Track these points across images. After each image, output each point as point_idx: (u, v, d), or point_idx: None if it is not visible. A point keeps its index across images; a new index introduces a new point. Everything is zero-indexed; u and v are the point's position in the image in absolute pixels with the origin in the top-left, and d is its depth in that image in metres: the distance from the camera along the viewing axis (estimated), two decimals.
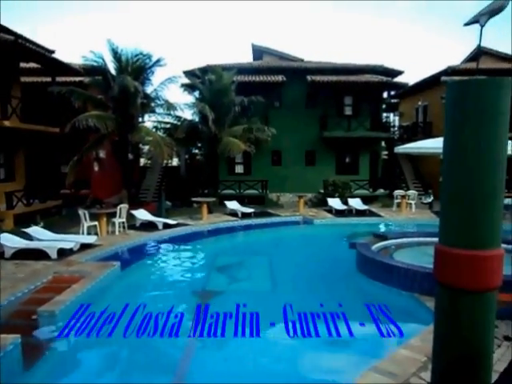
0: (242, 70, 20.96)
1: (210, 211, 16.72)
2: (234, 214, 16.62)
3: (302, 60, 24.76)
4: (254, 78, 20.93)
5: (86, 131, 15.61)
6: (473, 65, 23.45)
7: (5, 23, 14.67)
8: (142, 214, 14.15)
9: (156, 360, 5.72)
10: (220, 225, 15.04)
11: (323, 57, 43.93)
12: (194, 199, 17.02)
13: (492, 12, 2.91)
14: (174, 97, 30.84)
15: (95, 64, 16.38)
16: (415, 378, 4.60)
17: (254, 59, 26.46)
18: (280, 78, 20.69)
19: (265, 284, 9.44)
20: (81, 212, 12.23)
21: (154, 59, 16.86)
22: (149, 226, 13.68)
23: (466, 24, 3.12)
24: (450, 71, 21.00)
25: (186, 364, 5.60)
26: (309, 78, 20.57)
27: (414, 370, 4.77)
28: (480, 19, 2.94)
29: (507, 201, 17.98)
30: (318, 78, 20.55)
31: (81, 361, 5.80)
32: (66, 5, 76.44)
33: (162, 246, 12.45)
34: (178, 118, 19.18)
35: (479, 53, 25.03)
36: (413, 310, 7.02)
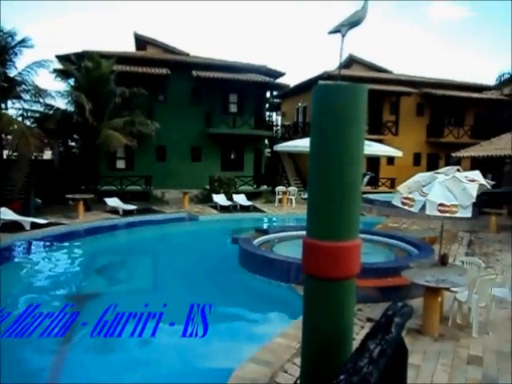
0: (123, 59, 19.89)
1: (87, 209, 15.58)
2: (115, 211, 15.73)
3: (188, 54, 24.44)
4: (136, 69, 19.99)
5: None
6: (347, 71, 25.75)
7: None
8: (5, 214, 12.56)
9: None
10: (99, 223, 14.09)
11: (209, 53, 43.96)
12: (69, 196, 15.66)
13: (351, 24, 3.18)
14: (46, 84, 27.92)
15: None
16: (289, 364, 4.85)
17: (137, 50, 25.33)
18: (164, 71, 20.12)
19: (147, 283, 9.14)
20: None
21: (18, 38, 15.04)
22: (14, 227, 12.19)
23: (330, 32, 3.37)
24: (326, 76, 22.67)
25: (59, 367, 5.30)
26: (194, 73, 20.40)
27: (288, 356, 5.03)
28: (341, 29, 3.19)
29: (372, 196, 20.16)
30: (203, 73, 20.48)
31: None
32: None
33: (32, 247, 11.24)
34: (50, 106, 17.37)
35: (350, 61, 27.49)
36: (290, 300, 7.42)
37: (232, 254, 9.58)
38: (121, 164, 21.48)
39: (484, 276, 6.08)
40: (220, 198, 18.16)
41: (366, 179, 20.11)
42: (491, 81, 28.23)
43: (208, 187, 20.19)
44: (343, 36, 3.41)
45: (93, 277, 9.48)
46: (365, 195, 20.22)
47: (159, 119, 18.96)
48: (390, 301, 3.47)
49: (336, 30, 3.43)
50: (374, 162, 24.31)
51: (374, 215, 17.53)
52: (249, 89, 22.05)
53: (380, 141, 20.07)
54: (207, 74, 20.47)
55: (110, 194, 17.14)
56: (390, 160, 24.63)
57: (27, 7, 72.15)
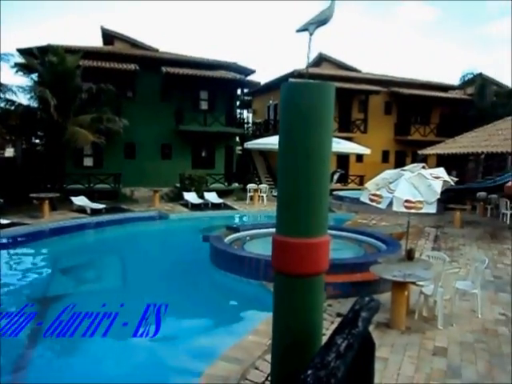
0: (90, 54, 19.33)
1: (53, 208, 15.09)
2: (82, 210, 15.31)
3: (157, 50, 24.06)
4: (103, 65, 19.51)
5: None
6: (317, 70, 26.02)
7: None
8: None
9: None
10: (65, 223, 13.66)
11: (179, 50, 43.41)
12: (33, 195, 15.12)
13: (319, 22, 3.19)
14: (7, 78, 26.82)
15: None
16: (260, 361, 4.86)
17: (104, 44, 24.70)
18: (133, 66, 19.73)
19: (114, 283, 8.96)
20: None
21: None
22: None
23: (298, 31, 3.38)
24: (297, 74, 22.82)
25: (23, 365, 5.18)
26: (164, 69, 20.10)
27: (259, 353, 5.04)
28: (309, 28, 3.20)
29: (342, 193, 20.47)
30: (173, 69, 20.21)
31: None
32: None
33: None
34: (11, 102, 16.68)
35: (320, 59, 27.74)
36: (261, 297, 7.44)
37: (203, 252, 9.51)
38: (88, 162, 20.95)
39: (448, 270, 6.28)
40: (191, 196, 18.01)
41: (335, 176, 20.39)
42: (455, 81, 29.15)
43: (179, 185, 19.97)
44: (311, 34, 3.43)
45: (57, 278, 9.21)
46: (335, 192, 20.54)
47: (128, 116, 18.57)
48: (359, 296, 3.53)
49: (304, 29, 3.44)
50: (343, 159, 24.70)
51: (343, 212, 17.80)
52: (220, 86, 21.94)
53: (349, 138, 20.41)
54: (177, 71, 20.23)
55: (77, 193, 16.67)
56: (359, 157, 25.10)
57: None
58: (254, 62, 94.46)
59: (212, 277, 8.84)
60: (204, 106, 22.75)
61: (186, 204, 17.74)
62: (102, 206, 15.57)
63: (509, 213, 15.74)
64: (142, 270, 10.00)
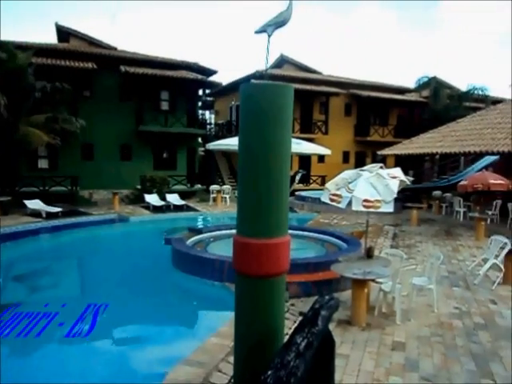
0: (44, 51, 18.59)
1: (4, 212, 14.38)
2: (37, 214, 14.68)
3: (115, 49, 23.45)
4: (59, 63, 18.79)
5: None
6: (279, 71, 26.23)
7: None
8: None
9: None
10: (18, 227, 13.02)
11: (138, 49, 42.56)
12: None
13: (277, 24, 3.20)
14: None
15: None
16: (224, 363, 4.80)
17: (59, 42, 23.80)
18: (90, 65, 19.12)
19: (72, 290, 8.63)
20: None
21: None
22: None
23: (256, 32, 3.38)
24: (259, 75, 22.92)
25: None
26: (122, 68, 19.62)
27: (222, 355, 4.98)
28: (267, 29, 3.21)
29: (304, 193, 20.74)
30: (132, 69, 19.77)
31: None
32: None
33: None
34: None
35: (281, 61, 27.94)
36: (225, 299, 7.38)
37: (165, 255, 9.34)
38: (43, 163, 20.08)
39: (405, 267, 6.47)
40: (152, 198, 17.67)
41: (298, 177, 20.59)
42: (411, 84, 30.19)
43: (140, 187, 19.55)
44: (269, 36, 3.43)
45: (9, 286, 8.77)
46: (297, 192, 20.79)
47: (85, 116, 17.99)
48: (322, 294, 3.56)
49: (262, 30, 3.44)
50: (305, 160, 25.03)
51: (306, 212, 18.04)
52: (181, 86, 21.67)
53: (311, 139, 20.68)
54: (136, 70, 19.81)
55: (32, 196, 15.97)
56: (321, 158, 25.52)
57: None
58: (216, 63, 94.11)
59: (174, 280, 8.70)
60: (165, 106, 22.40)
61: (148, 206, 17.40)
62: (57, 210, 14.97)
63: (462, 210, 16.47)
64: (101, 275, 9.69)
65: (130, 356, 5.68)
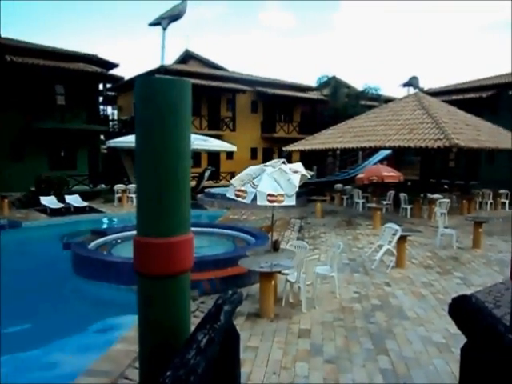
0: None
1: None
2: None
3: None
4: None
5: None
6: (184, 67, 25.83)
7: None
8: None
9: None
10: None
11: (29, 38, 38.89)
12: None
13: (171, 17, 3.13)
14: None
15: None
16: (130, 370, 4.61)
17: None
18: None
19: None
20: None
21: None
22: None
23: (150, 24, 3.28)
24: (163, 70, 22.30)
25: None
26: (8, 57, 17.73)
27: (128, 361, 4.78)
28: (162, 22, 3.12)
29: (214, 190, 20.73)
30: (20, 59, 17.98)
31: None
32: None
33: None
34: None
35: (186, 56, 27.50)
36: (131, 303, 7.05)
37: (65, 261, 8.68)
38: None
39: (309, 257, 6.78)
40: (49, 201, 16.28)
41: (206, 174, 20.59)
42: (313, 82, 31.79)
43: (34, 189, 17.91)
44: (164, 29, 3.35)
45: None
46: (206, 190, 20.72)
47: None
48: (230, 289, 3.56)
49: (156, 23, 3.34)
50: (214, 156, 25.07)
51: (216, 209, 18.05)
52: (79, 80, 20.30)
53: (219, 136, 20.78)
54: (25, 60, 18.05)
55: None
56: (230, 155, 25.76)
57: None
58: (120, 57, 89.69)
59: (76, 287, 8.13)
60: (61, 101, 20.79)
61: (45, 209, 16.00)
62: None
63: (361, 202, 17.78)
64: None
65: (25, 375, 5.18)
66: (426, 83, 45.17)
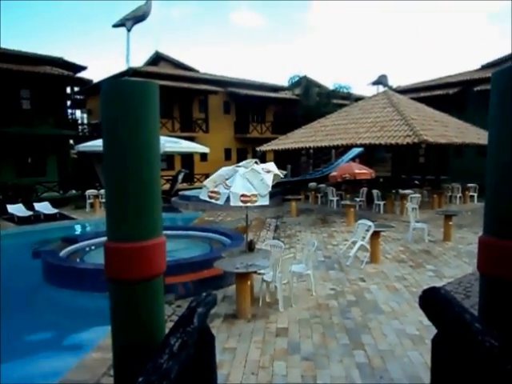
0: None
1: None
2: None
3: None
4: None
5: None
6: (155, 68, 25.51)
7: None
8: None
9: None
10: None
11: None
12: None
13: (136, 18, 3.08)
14: None
15: None
16: (106, 378, 4.53)
17: None
18: None
19: None
20: None
21: None
22: None
23: (114, 26, 3.21)
24: (131, 72, 21.97)
25: None
26: None
27: (104, 370, 4.69)
28: (126, 23, 3.07)
29: (188, 192, 20.55)
30: None
31: None
32: None
33: None
34: None
35: (157, 58, 27.16)
36: (106, 310, 6.92)
37: (35, 270, 8.42)
38: None
39: (285, 256, 6.81)
40: (17, 209, 15.77)
41: (180, 176, 20.40)
42: (284, 82, 31.96)
43: (0, 197, 17.30)
44: (129, 30, 3.29)
45: None
46: (181, 192, 20.53)
47: None
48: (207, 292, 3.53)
49: (120, 24, 3.28)
50: (188, 158, 24.88)
51: (191, 211, 17.91)
52: (45, 83, 19.75)
53: (192, 138, 20.64)
54: None
55: None
56: (203, 156, 25.60)
57: None
58: (87, 60, 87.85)
59: (47, 296, 7.89)
60: (26, 105, 20.17)
61: (12, 218, 15.49)
62: None
63: (335, 199, 17.99)
64: None
65: None
66: (395, 81, 46.18)
